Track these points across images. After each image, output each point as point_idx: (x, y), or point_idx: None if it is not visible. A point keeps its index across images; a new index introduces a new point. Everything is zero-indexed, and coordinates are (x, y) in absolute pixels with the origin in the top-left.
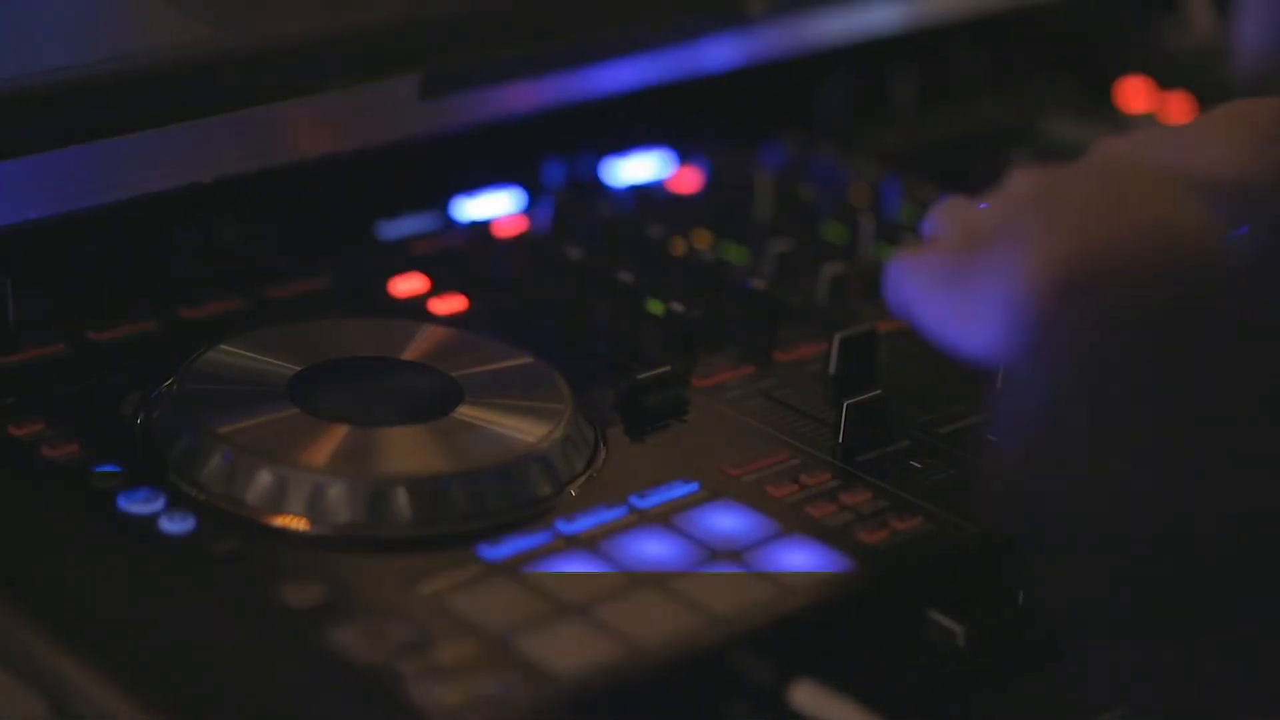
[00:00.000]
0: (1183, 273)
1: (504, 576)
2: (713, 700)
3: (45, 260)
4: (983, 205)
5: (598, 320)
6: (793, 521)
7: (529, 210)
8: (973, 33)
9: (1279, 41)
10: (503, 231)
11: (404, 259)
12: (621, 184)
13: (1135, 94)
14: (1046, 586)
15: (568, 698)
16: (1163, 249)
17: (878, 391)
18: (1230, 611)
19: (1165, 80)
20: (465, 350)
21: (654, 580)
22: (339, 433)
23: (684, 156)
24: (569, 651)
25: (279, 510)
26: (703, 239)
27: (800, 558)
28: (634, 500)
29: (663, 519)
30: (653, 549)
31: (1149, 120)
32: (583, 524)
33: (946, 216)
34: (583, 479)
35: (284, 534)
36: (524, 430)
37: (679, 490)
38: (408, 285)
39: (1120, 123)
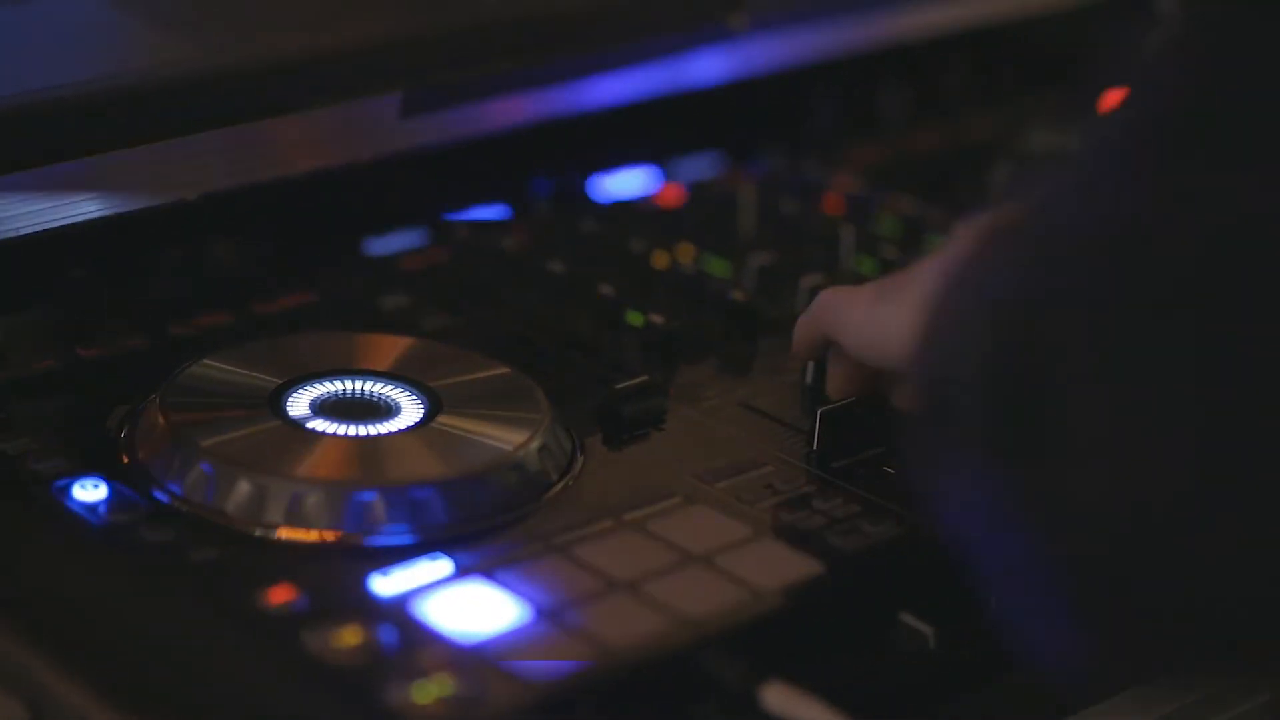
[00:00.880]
0: None
1: (478, 582)
2: (685, 702)
3: (35, 276)
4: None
5: (579, 332)
6: (765, 527)
7: (515, 225)
8: (958, 47)
9: None
10: (487, 246)
11: (390, 274)
12: (606, 199)
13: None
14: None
15: (541, 699)
16: None
17: (852, 399)
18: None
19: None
20: (444, 362)
21: (627, 584)
22: (318, 443)
23: (668, 173)
24: (542, 654)
25: (258, 519)
26: (685, 253)
27: (773, 562)
28: (609, 507)
29: (637, 525)
30: (627, 554)
31: None
32: (558, 530)
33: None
34: (559, 487)
35: (263, 542)
36: (500, 439)
37: (654, 497)
38: (394, 300)
39: None
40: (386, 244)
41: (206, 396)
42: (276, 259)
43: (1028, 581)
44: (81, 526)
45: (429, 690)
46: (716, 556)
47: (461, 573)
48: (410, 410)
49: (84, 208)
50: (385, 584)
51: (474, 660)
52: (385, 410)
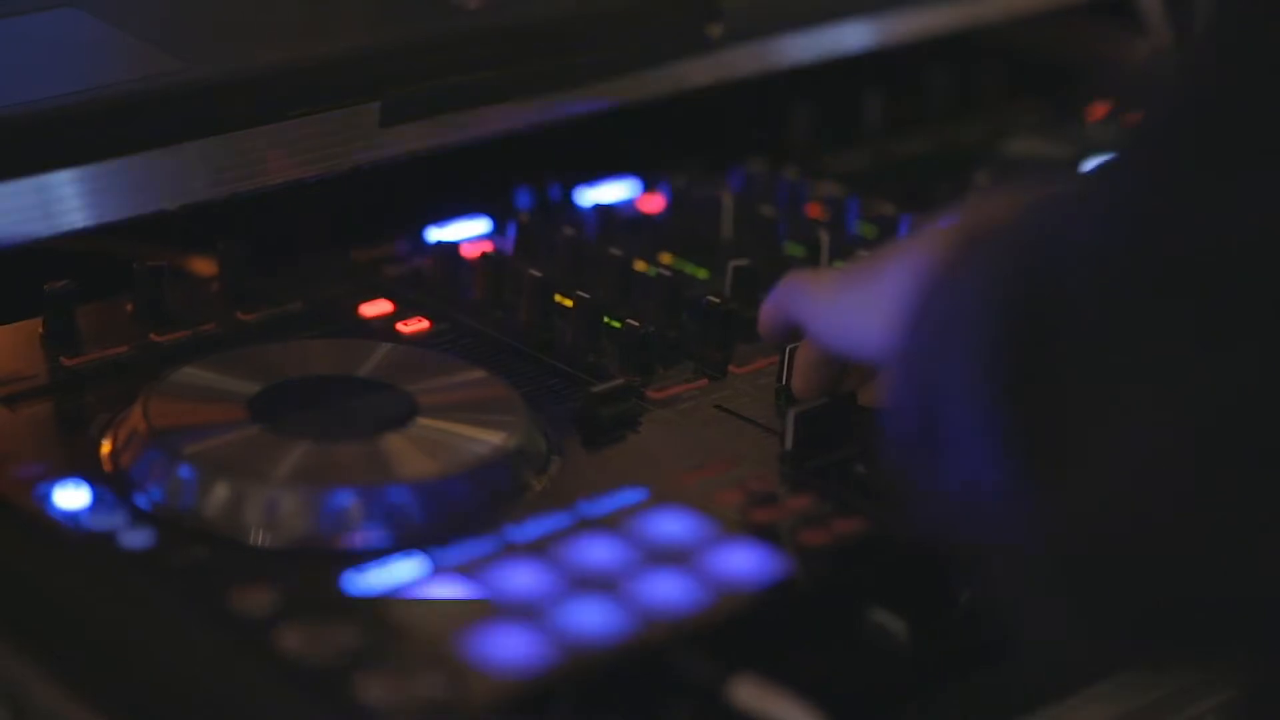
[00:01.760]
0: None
1: (453, 582)
2: (657, 699)
3: (19, 285)
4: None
5: (557, 336)
6: (737, 525)
7: (497, 234)
8: (940, 54)
9: None
10: (469, 254)
11: (373, 282)
12: (587, 207)
13: (1102, 115)
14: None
15: (516, 697)
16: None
17: (825, 400)
18: None
19: (1131, 102)
20: (422, 367)
21: (599, 582)
22: (296, 448)
23: (650, 182)
24: (514, 652)
25: (237, 523)
26: (666, 259)
27: (744, 559)
28: (583, 507)
29: (611, 524)
30: (600, 553)
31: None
32: (532, 530)
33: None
34: (535, 487)
35: (241, 546)
36: (477, 441)
37: (628, 497)
38: (376, 307)
39: (1087, 143)
40: (370, 251)
41: (187, 403)
42: (261, 267)
43: (1014, 571)
44: (63, 531)
45: (402, 688)
46: (690, 555)
47: (437, 573)
48: (389, 414)
49: (67, 218)
50: (362, 585)
51: (450, 659)
52: (364, 414)
